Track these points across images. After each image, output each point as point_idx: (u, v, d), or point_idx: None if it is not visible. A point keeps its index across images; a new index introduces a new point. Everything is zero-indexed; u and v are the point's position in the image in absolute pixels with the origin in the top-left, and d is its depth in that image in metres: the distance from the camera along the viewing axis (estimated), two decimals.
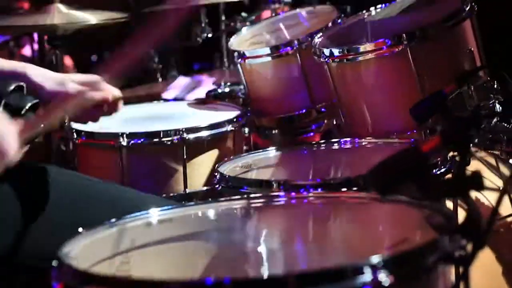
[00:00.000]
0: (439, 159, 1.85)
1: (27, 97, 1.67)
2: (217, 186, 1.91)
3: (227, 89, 3.30)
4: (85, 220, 1.60)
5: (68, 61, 6.15)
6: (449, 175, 1.81)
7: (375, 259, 1.11)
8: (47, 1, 2.82)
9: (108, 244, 1.41)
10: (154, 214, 1.49)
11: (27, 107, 1.64)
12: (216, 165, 2.04)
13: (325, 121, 2.72)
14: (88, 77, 1.79)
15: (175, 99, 5.58)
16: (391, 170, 1.25)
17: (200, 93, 3.51)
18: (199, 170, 2.37)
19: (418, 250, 1.16)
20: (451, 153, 1.88)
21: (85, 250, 1.35)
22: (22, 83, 1.70)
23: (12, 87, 1.66)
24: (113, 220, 1.46)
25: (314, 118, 2.73)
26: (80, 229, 1.39)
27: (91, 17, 2.79)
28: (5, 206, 1.69)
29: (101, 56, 5.83)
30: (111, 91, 1.79)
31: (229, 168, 2.05)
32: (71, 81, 1.76)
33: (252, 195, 1.60)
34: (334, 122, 2.67)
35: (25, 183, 1.75)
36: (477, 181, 1.21)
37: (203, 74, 5.07)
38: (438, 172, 1.81)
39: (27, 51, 5.76)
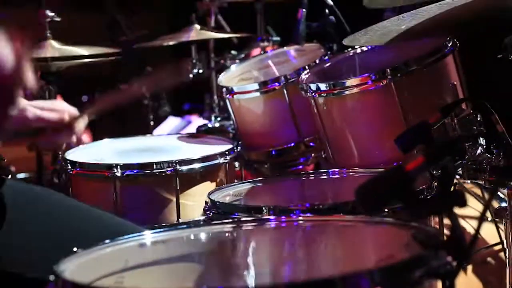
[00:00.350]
0: (424, 186, 1.90)
1: None
2: (208, 213, 1.96)
3: (217, 124, 3.38)
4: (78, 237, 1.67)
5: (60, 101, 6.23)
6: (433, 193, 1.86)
7: (363, 270, 1.16)
8: (41, 38, 2.89)
9: (102, 264, 1.45)
10: (148, 235, 1.53)
11: None
12: (207, 194, 2.08)
13: (313, 154, 2.78)
14: (49, 102, 1.87)
15: None
16: (376, 189, 1.31)
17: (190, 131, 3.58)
18: (192, 201, 2.42)
19: (404, 264, 1.21)
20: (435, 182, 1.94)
21: (79, 269, 1.39)
22: None
23: None
24: (107, 240, 1.50)
25: (303, 152, 2.79)
26: (75, 249, 1.43)
27: (84, 51, 2.86)
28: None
29: (92, 97, 5.90)
30: (67, 110, 1.83)
31: (220, 197, 2.09)
32: (31, 106, 1.80)
33: (242, 219, 1.65)
34: (323, 155, 2.72)
35: (17, 201, 1.82)
36: (460, 198, 1.26)
37: (193, 115, 5.15)
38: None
39: None
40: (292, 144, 2.79)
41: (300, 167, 2.85)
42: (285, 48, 3.17)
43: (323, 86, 2.44)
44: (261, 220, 1.65)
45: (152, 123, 3.59)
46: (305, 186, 2.25)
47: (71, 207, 1.95)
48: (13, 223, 1.79)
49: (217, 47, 3.56)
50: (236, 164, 2.82)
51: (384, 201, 1.32)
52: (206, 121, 3.41)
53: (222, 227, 1.60)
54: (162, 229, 1.55)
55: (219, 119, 3.35)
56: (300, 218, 1.64)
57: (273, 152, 2.82)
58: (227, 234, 1.59)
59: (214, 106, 3.54)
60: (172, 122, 5.69)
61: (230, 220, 1.65)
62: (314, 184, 2.25)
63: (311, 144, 2.78)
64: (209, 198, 2.01)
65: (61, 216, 1.87)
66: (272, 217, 1.67)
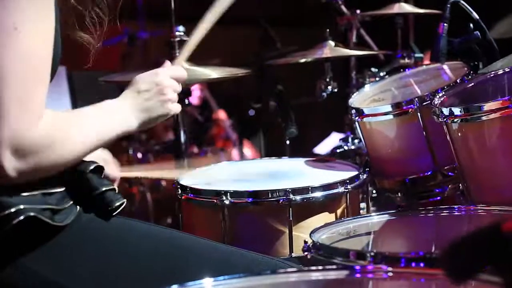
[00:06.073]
0: None
1: (104, 181, 1.73)
2: (306, 254, 1.76)
3: (353, 146, 3.15)
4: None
5: (222, 114, 6.27)
6: None
7: None
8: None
9: None
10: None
11: (102, 189, 1.71)
12: (311, 231, 1.89)
13: (449, 185, 2.49)
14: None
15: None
16: (467, 250, 1.06)
17: None
18: (307, 233, 2.20)
19: None
20: None
21: None
22: (101, 165, 1.75)
23: (91, 167, 1.71)
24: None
25: (439, 182, 2.52)
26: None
27: (212, 73, 2.75)
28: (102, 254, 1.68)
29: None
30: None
31: (327, 234, 1.89)
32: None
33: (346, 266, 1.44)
34: (460, 187, 2.44)
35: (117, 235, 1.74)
36: None
37: None
38: None
39: None
40: (429, 173, 2.52)
41: (438, 198, 2.57)
42: (424, 66, 2.90)
43: (457, 111, 2.15)
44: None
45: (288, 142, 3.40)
46: (424, 224, 1.98)
47: (170, 238, 1.82)
48: (109, 255, 1.70)
49: (360, 64, 3.34)
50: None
51: (477, 265, 1.07)
52: (342, 143, 3.19)
53: (323, 274, 1.39)
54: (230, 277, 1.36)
55: (356, 141, 3.12)
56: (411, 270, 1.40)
57: (407, 181, 2.57)
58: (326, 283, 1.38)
59: (354, 126, 3.31)
60: (335, 138, 5.52)
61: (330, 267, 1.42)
62: (434, 223, 1.97)
63: (449, 173, 2.50)
64: (310, 237, 1.82)
65: (159, 249, 1.76)
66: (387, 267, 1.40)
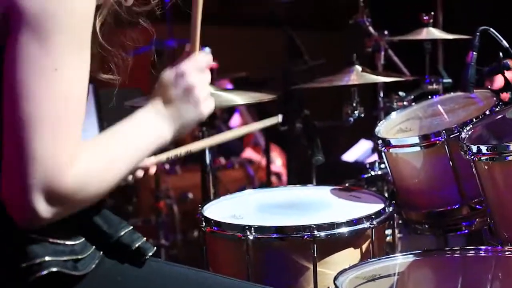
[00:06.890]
0: None
1: (118, 226, 1.71)
2: None
3: (380, 172, 3.12)
4: None
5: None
6: None
7: None
8: None
9: None
10: None
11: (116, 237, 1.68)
12: (335, 275, 1.87)
13: (477, 219, 2.46)
14: None
15: (356, 162, 5.46)
16: None
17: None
18: (332, 269, 2.18)
19: None
20: None
21: None
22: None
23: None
24: None
25: (466, 215, 2.49)
26: None
27: (238, 98, 2.75)
28: None
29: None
30: None
31: (350, 277, 1.88)
32: None
33: None
34: (488, 221, 2.40)
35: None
36: None
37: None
38: None
39: None
40: (457, 206, 2.49)
41: (466, 231, 2.53)
42: (452, 93, 2.85)
43: (484, 149, 2.12)
44: None
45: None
46: (448, 266, 1.95)
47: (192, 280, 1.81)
48: None
49: (388, 85, 3.29)
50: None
51: None
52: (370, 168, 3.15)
53: None
54: None
55: (382, 166, 3.09)
56: None
57: (434, 213, 2.54)
58: None
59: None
60: (363, 146, 5.47)
61: None
62: (458, 265, 1.94)
63: (477, 206, 2.46)
64: (334, 282, 1.80)
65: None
66: None
